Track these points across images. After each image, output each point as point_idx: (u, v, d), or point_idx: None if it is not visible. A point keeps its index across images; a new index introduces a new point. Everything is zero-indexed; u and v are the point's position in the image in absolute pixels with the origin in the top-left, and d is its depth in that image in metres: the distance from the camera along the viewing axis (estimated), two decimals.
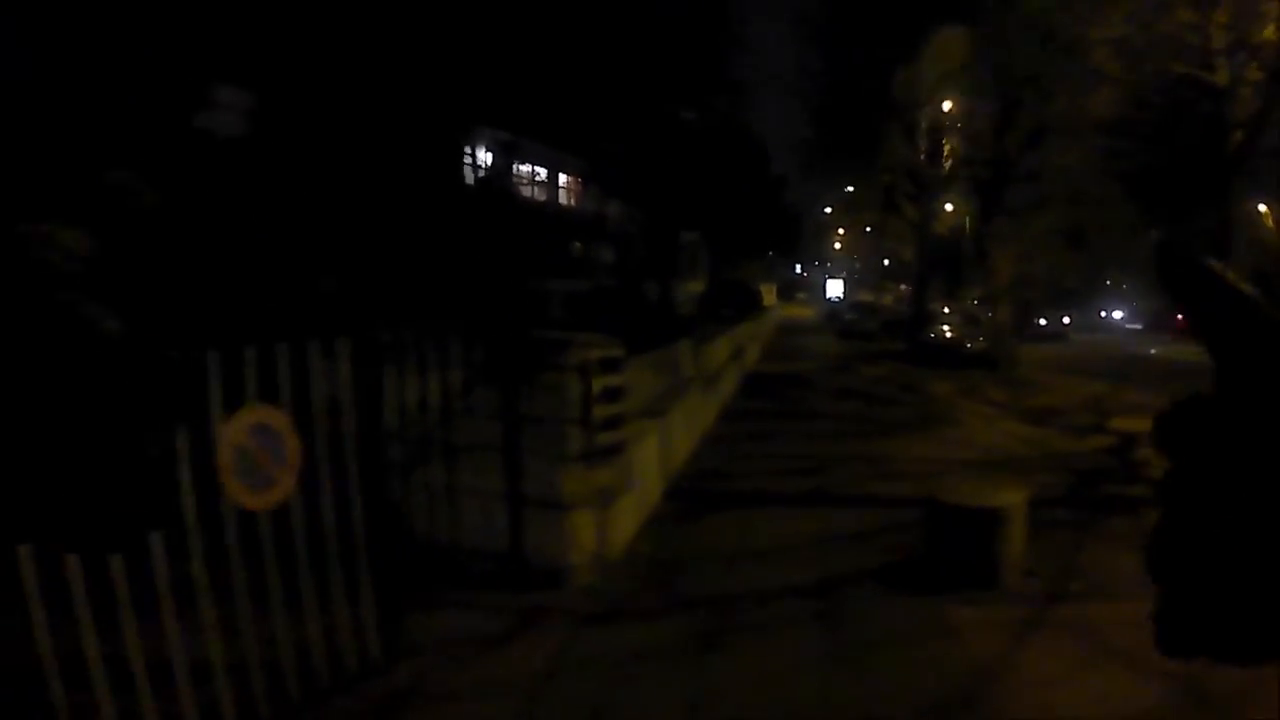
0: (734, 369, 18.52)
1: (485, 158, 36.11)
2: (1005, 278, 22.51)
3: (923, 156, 32.71)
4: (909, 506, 7.84)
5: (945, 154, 32.45)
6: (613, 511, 6.15)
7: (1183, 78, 13.60)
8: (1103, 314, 55.03)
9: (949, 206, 34.26)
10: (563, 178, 45.91)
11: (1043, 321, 43.66)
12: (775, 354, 29.86)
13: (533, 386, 5.52)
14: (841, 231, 79.92)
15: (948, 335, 27.50)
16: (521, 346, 5.54)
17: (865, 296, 63.40)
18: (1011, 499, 6.20)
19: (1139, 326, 55.55)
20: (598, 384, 5.61)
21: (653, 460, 7.87)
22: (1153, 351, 33.92)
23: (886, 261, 65.96)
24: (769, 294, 69.28)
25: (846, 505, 8.31)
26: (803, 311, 70.92)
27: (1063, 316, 47.65)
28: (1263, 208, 58.85)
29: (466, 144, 34.75)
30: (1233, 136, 13.09)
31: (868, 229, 62.93)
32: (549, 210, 43.44)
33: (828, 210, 72.76)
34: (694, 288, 58.82)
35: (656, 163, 40.20)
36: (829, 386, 19.99)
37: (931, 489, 6.45)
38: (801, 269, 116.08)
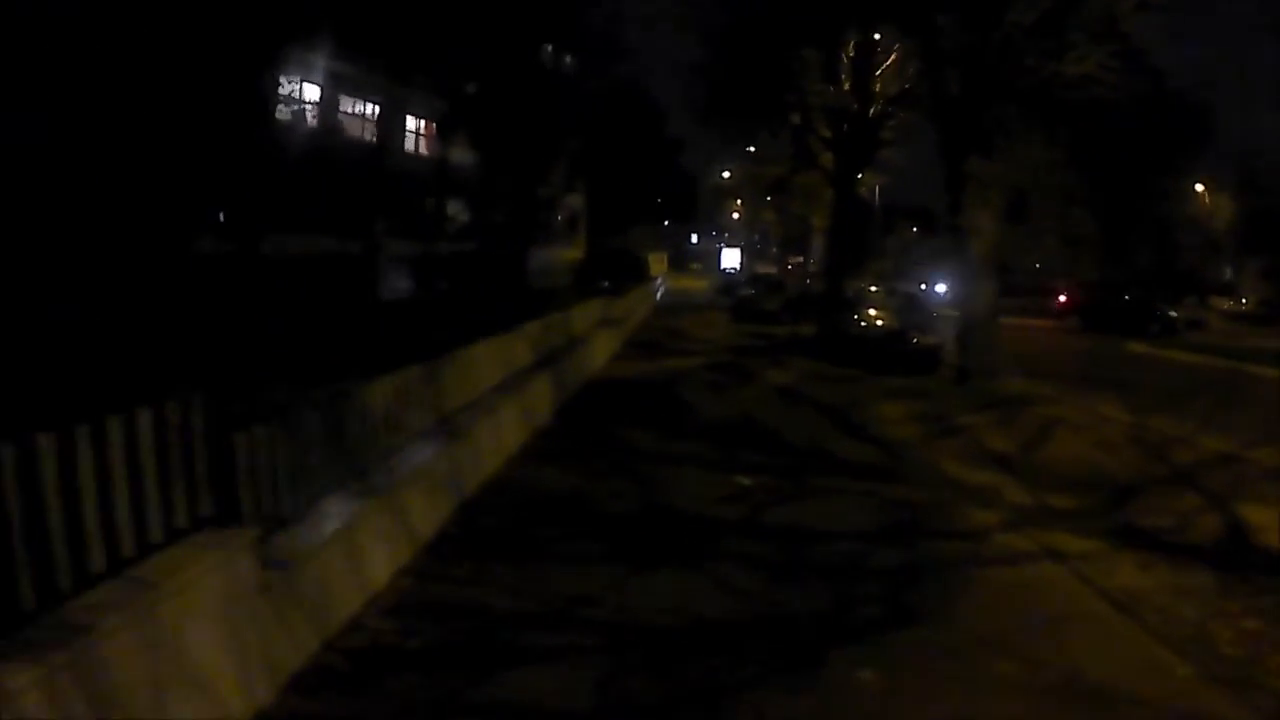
0: (543, 388, 10.31)
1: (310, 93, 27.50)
2: (989, 239, 14.86)
3: (847, 88, 25.01)
4: None
5: (876, 86, 24.80)
6: None
7: None
8: (923, 286, 47.09)
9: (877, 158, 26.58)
10: (412, 122, 36.64)
11: (1173, 313, 32.40)
12: (644, 343, 21.77)
13: None
14: (740, 202, 72.39)
15: (879, 324, 19.83)
16: None
17: (765, 269, 55.85)
18: None
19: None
20: None
21: None
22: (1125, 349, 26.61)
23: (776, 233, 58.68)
24: (658, 263, 61.50)
25: None
26: (695, 284, 63.13)
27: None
28: (1200, 187, 53.90)
29: (280, 73, 25.94)
30: None
31: (768, 198, 55.55)
32: (391, 159, 34.34)
33: (726, 174, 64.81)
34: (570, 255, 50.52)
35: (530, 111, 32.07)
36: (711, 417, 11.91)
37: None
38: (698, 239, 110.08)
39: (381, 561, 4.94)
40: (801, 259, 57.09)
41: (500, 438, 8.03)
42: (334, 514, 4.48)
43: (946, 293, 47.27)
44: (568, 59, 38.82)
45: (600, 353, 16.63)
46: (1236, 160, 51.60)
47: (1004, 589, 5.80)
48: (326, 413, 4.54)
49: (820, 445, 10.25)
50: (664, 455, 9.20)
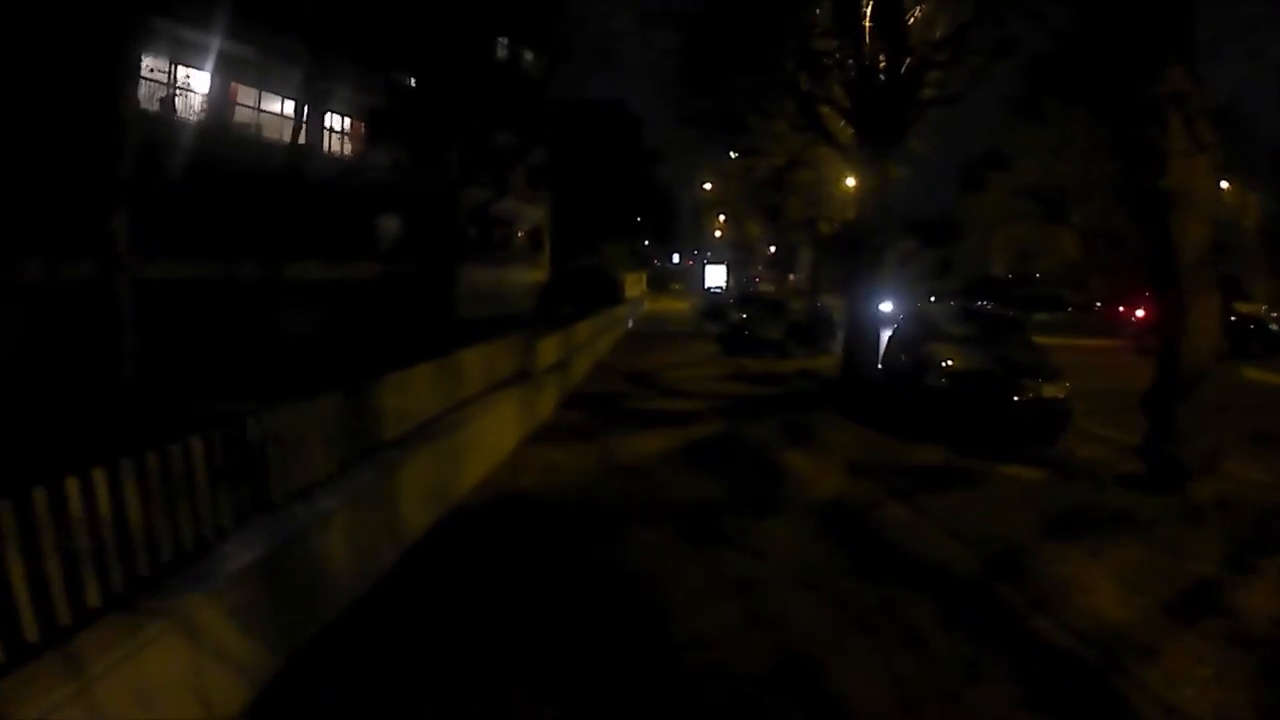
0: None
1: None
2: (1205, 212, 7.73)
3: (868, 42, 17.89)
4: None
5: (909, 28, 17.74)
6: None
7: None
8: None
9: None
10: (338, 121, 29.53)
11: (1274, 327, 26.59)
12: (594, 399, 14.51)
13: None
14: (723, 219, 65.12)
15: (954, 366, 12.46)
16: None
17: (765, 286, 48.32)
18: None
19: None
20: None
21: None
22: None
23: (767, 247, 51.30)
24: (636, 284, 54.41)
25: None
26: (676, 305, 56.00)
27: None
28: (1225, 184, 47.21)
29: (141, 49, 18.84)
30: None
31: (755, 209, 48.34)
32: (308, 164, 27.26)
33: (708, 186, 57.55)
34: (532, 276, 43.41)
35: (483, 112, 25.75)
36: (696, 678, 4.67)
37: None
38: (679, 258, 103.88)
39: None
40: (791, 276, 49.94)
41: None
42: None
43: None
44: (529, 56, 32.30)
45: (502, 433, 9.43)
46: (1270, 157, 45.19)
47: None
48: None
49: None
50: None
